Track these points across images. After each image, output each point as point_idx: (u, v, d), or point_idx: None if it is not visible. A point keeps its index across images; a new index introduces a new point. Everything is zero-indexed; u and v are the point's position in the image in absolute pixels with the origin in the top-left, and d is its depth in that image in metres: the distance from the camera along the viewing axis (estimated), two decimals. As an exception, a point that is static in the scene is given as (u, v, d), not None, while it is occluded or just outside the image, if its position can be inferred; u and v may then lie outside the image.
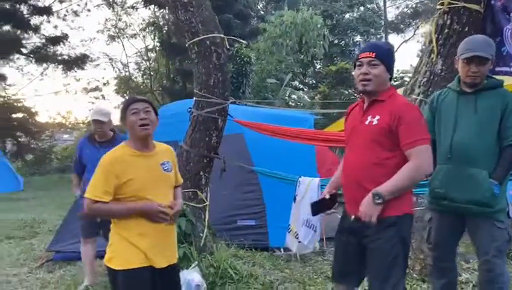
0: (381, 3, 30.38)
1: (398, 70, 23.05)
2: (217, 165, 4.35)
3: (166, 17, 22.04)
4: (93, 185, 2.33)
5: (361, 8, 30.95)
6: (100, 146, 3.95)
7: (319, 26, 22.10)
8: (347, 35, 29.70)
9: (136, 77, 24.95)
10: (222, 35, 4.12)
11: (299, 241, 3.90)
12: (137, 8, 22.62)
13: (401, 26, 31.85)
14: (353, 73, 2.32)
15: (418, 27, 30.48)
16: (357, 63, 2.28)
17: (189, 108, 4.30)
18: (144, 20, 23.20)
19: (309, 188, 3.87)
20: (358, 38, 30.06)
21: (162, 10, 21.99)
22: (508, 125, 2.42)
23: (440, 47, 3.43)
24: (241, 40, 5.33)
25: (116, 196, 2.32)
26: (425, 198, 2.80)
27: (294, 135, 4.34)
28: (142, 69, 24.75)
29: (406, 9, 31.57)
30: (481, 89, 2.51)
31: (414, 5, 30.67)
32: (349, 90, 19.02)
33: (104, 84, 23.13)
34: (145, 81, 24.56)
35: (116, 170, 2.29)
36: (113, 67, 23.45)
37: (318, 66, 28.44)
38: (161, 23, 22.35)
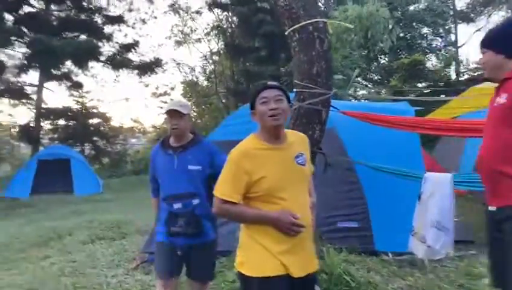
0: (451, -9, 28.55)
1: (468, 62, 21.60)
2: (318, 160, 4.02)
3: (230, 19, 22.24)
4: (222, 182, 2.10)
5: (429, -1, 29.26)
6: (175, 152, 2.94)
7: (385, 19, 21.16)
8: (413, 28, 28.21)
9: (201, 81, 25.37)
10: (325, 20, 3.79)
11: (428, 246, 3.46)
12: (201, 13, 23.00)
13: (472, 15, 29.78)
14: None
15: (490, 15, 28.38)
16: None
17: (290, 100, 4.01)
18: (208, 24, 23.52)
19: (438, 184, 3.42)
20: (425, 30, 28.51)
21: (225, 13, 22.22)
22: None
23: None
24: (347, 24, 4.87)
25: (246, 195, 2.07)
26: None
27: (416, 125, 3.86)
28: (207, 73, 25.11)
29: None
30: None
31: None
32: (424, 83, 18.00)
33: (172, 88, 23.70)
34: (210, 83, 24.89)
35: (246, 166, 2.03)
36: (180, 72, 23.95)
37: (382, 61, 27.28)
38: (225, 26, 22.55)
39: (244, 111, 6.16)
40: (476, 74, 17.08)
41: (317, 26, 3.75)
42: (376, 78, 27.46)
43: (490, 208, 2.15)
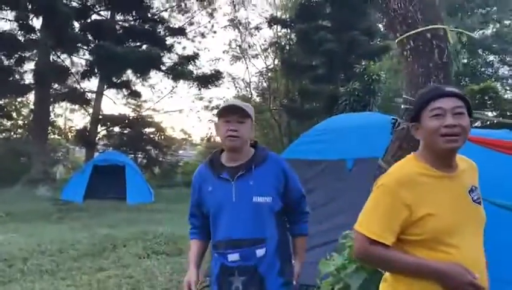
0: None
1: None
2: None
3: (289, 36, 22.00)
4: (369, 215, 1.57)
5: (498, 25, 27.80)
6: (233, 176, 2.06)
7: (452, 42, 20.14)
8: (478, 55, 26.81)
9: (254, 96, 25.22)
10: (445, 26, 3.24)
11: None
12: (260, 29, 22.94)
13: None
14: None
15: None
16: None
17: (393, 118, 3.47)
18: (265, 40, 23.41)
19: None
20: (491, 57, 27.09)
21: (284, 30, 22.02)
22: None
23: None
24: (469, 33, 4.31)
25: (401, 236, 1.54)
26: None
27: None
28: (260, 88, 24.94)
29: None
30: None
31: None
32: (495, 113, 16.79)
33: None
34: (263, 100, 24.67)
35: (407, 198, 1.51)
36: (235, 87, 23.92)
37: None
38: (283, 43, 22.33)
39: (319, 128, 5.69)
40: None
41: (436, 33, 3.21)
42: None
43: None
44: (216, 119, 2.18)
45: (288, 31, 21.66)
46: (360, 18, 18.43)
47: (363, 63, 16.23)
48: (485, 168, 4.01)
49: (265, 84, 24.74)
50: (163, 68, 18.17)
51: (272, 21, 21.46)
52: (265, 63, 26.99)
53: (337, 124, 5.51)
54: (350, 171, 5.06)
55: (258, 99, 25.23)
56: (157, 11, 19.40)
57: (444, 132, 1.51)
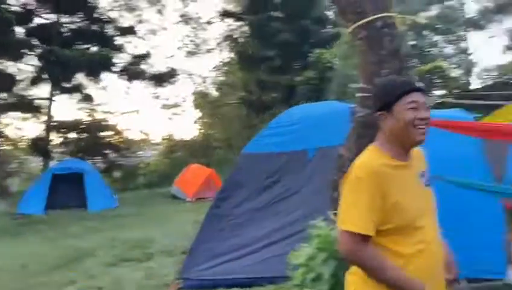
0: (461, -1, 28.09)
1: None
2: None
3: (242, 29, 21.94)
4: (351, 210, 1.57)
5: (440, 6, 28.83)
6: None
7: (401, 28, 20.74)
8: (424, 36, 27.79)
9: (212, 91, 25.04)
10: (394, 14, 3.34)
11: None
12: (212, 23, 22.74)
13: (482, 22, 29.26)
14: None
15: (501, 22, 27.82)
16: None
17: (352, 107, 3.56)
18: (219, 34, 23.21)
19: None
20: (436, 37, 28.10)
21: (237, 22, 21.94)
22: None
23: None
24: (421, 20, 4.43)
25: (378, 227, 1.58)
26: None
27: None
28: (218, 83, 24.79)
29: (487, 4, 28.93)
30: None
31: (496, -1, 28.04)
32: (444, 91, 17.51)
33: (183, 100, 23.36)
34: (221, 94, 24.55)
35: (382, 188, 1.55)
36: (193, 83, 23.62)
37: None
38: (237, 36, 22.25)
39: (280, 120, 5.73)
40: (499, 79, 16.55)
41: (386, 21, 3.30)
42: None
43: None
44: None
45: (241, 23, 21.59)
46: (310, 7, 18.63)
47: (316, 52, 16.44)
48: (439, 149, 4.20)
49: (222, 78, 24.59)
50: (116, 69, 17.69)
51: (224, 14, 21.31)
52: (220, 56, 26.87)
53: (297, 115, 5.57)
54: (311, 161, 5.15)
55: (216, 94, 25.07)
56: (104, 10, 18.79)
57: (417, 123, 1.59)
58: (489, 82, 17.71)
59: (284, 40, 17.97)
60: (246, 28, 21.19)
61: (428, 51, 27.02)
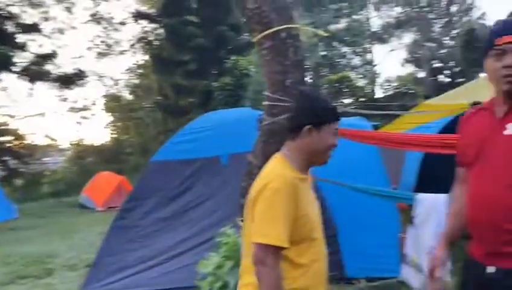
0: (368, 14, 30.17)
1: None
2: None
3: (157, 31, 21.45)
4: (274, 222, 1.53)
5: (348, 19, 30.69)
6: None
7: (307, 39, 21.74)
8: (334, 47, 29.40)
9: (125, 94, 24.10)
10: (298, 25, 3.45)
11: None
12: (126, 24, 21.95)
13: (385, 36, 31.68)
14: (485, 66, 1.57)
15: (401, 37, 30.32)
16: (495, 51, 1.52)
17: (259, 115, 3.60)
18: (133, 36, 22.44)
19: (433, 206, 3.18)
20: (345, 49, 29.85)
21: (152, 25, 21.41)
22: None
23: None
24: (322, 33, 4.58)
25: None
26: None
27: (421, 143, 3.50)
28: (132, 86, 23.95)
29: (389, 20, 31.37)
30: None
31: (397, 15, 30.51)
32: (351, 100, 18.61)
33: (93, 103, 22.17)
34: (135, 98, 23.75)
35: (296, 199, 1.58)
36: (104, 85, 22.53)
37: (306, 78, 28.00)
38: (151, 38, 21.70)
39: (192, 126, 5.66)
40: (398, 90, 17.99)
41: (290, 32, 3.39)
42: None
43: (489, 269, 1.55)
44: None
45: (156, 26, 21.10)
46: (226, 13, 18.77)
47: (233, 58, 16.59)
48: (339, 156, 4.42)
49: (136, 81, 23.79)
50: (16, 69, 16.27)
51: (138, 16, 20.68)
52: (134, 59, 25.99)
53: (211, 121, 5.55)
54: (225, 167, 5.14)
55: (130, 97, 24.17)
56: (3, 5, 17.21)
57: (332, 149, 1.70)
58: (390, 92, 19.16)
59: (199, 44, 17.90)
60: (160, 31, 20.75)
61: (338, 62, 28.62)
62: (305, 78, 3.49)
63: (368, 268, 4.13)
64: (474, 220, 1.60)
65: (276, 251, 1.51)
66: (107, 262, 4.47)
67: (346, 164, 4.43)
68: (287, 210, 1.54)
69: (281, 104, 3.39)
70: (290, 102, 3.33)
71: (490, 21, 28.05)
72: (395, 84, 20.21)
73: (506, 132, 1.53)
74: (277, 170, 1.64)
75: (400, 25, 29.16)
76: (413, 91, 17.36)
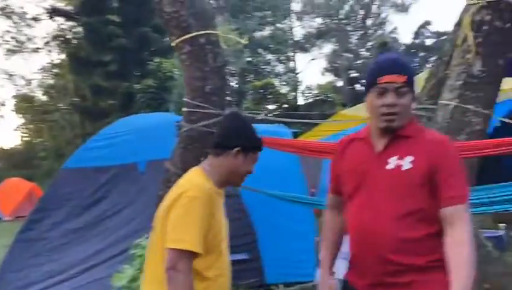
0: (291, 23, 31.09)
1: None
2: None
3: (75, 30, 20.33)
4: (190, 229, 1.57)
5: (272, 27, 31.39)
6: None
7: (228, 45, 21.90)
8: (259, 54, 29.91)
9: (38, 95, 22.55)
10: (219, 32, 3.42)
11: (339, 279, 3.26)
12: (39, 20, 20.55)
13: (307, 45, 32.88)
14: (366, 101, 1.59)
15: (322, 47, 31.67)
16: (377, 89, 1.54)
17: (177, 121, 3.52)
18: (47, 33, 21.08)
19: None
20: (269, 56, 30.52)
21: (69, 22, 20.27)
22: None
23: (478, 46, 3.13)
24: (242, 40, 4.56)
25: None
26: None
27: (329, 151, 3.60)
28: (46, 86, 22.46)
29: (311, 30, 32.60)
30: None
31: (318, 26, 31.83)
32: (274, 106, 19.03)
33: (3, 104, 20.47)
34: (50, 99, 22.31)
35: (212, 209, 1.65)
36: (14, 85, 20.90)
37: (232, 84, 28.22)
38: (68, 37, 20.53)
39: (108, 131, 5.39)
40: (318, 97, 18.75)
41: (210, 38, 3.36)
42: (227, 99, 28.17)
43: None
44: None
45: (74, 24, 19.99)
46: (149, 14, 18.30)
47: (156, 60, 16.21)
48: (258, 163, 4.44)
49: (51, 82, 22.34)
50: None
51: (53, 12, 19.46)
52: (49, 57, 24.40)
53: (128, 126, 5.33)
54: (143, 174, 4.96)
55: (43, 98, 22.64)
56: None
57: (248, 174, 1.78)
58: (311, 99, 19.91)
59: (121, 45, 17.29)
60: (79, 29, 19.70)
61: (263, 68, 29.16)
62: (226, 85, 3.47)
63: (286, 273, 4.20)
64: (357, 252, 1.59)
65: (189, 256, 1.53)
66: (11, 278, 4.11)
67: (266, 170, 4.48)
68: (202, 218, 1.57)
69: (200, 110, 3.34)
70: (210, 109, 3.31)
71: (401, 35, 30.48)
72: (316, 92, 21.03)
73: (388, 167, 1.54)
74: (194, 180, 1.67)
75: (320, 35, 30.44)
76: (331, 99, 18.17)
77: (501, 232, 4.47)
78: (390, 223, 1.49)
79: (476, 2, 3.11)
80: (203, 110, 3.32)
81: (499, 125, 3.41)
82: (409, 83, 1.53)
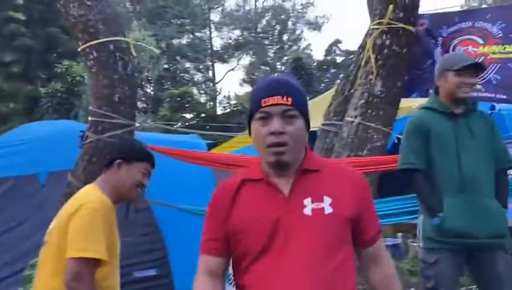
0: (210, 33, 31.20)
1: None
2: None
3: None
4: (92, 238, 1.64)
5: (191, 36, 31.23)
6: None
7: (151, 48, 21.42)
8: (177, 61, 29.56)
9: None
10: (129, 40, 3.30)
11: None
12: None
13: (225, 56, 33.16)
14: (252, 131, 1.32)
15: (240, 58, 32.12)
16: (261, 114, 1.29)
17: (82, 131, 3.31)
18: None
19: None
20: (188, 64, 30.32)
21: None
22: (499, 147, 2.36)
23: (379, 68, 3.34)
24: (155, 50, 4.39)
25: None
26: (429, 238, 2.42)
27: (228, 162, 3.66)
28: None
29: (229, 41, 32.92)
30: (470, 110, 2.39)
31: (236, 38, 32.26)
32: (192, 114, 18.86)
33: None
34: None
35: (111, 223, 1.77)
36: None
37: (148, 90, 27.52)
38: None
39: (6, 138, 4.94)
40: (236, 108, 18.95)
41: (119, 45, 3.22)
42: (142, 106, 27.36)
43: None
44: None
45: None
46: (57, 14, 17.25)
47: (65, 63, 15.30)
48: (167, 176, 4.36)
49: None
50: None
51: None
52: None
53: (28, 134, 4.92)
54: (43, 186, 4.61)
55: None
56: None
57: (140, 186, 1.88)
58: (229, 110, 20.09)
59: (25, 44, 16.10)
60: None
61: (181, 76, 28.82)
62: (136, 95, 3.35)
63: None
64: None
65: (93, 265, 1.59)
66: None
67: (178, 184, 4.42)
68: (103, 229, 1.64)
69: (108, 120, 3.18)
70: (118, 118, 3.17)
71: (314, 52, 31.98)
72: (234, 102, 21.25)
73: (306, 211, 1.27)
74: (93, 194, 1.74)
75: (238, 47, 30.91)
76: (249, 110, 18.43)
77: (399, 241, 4.83)
78: (316, 272, 1.23)
79: (378, 26, 3.35)
80: (110, 120, 3.16)
81: (396, 142, 3.67)
82: (298, 107, 1.28)
